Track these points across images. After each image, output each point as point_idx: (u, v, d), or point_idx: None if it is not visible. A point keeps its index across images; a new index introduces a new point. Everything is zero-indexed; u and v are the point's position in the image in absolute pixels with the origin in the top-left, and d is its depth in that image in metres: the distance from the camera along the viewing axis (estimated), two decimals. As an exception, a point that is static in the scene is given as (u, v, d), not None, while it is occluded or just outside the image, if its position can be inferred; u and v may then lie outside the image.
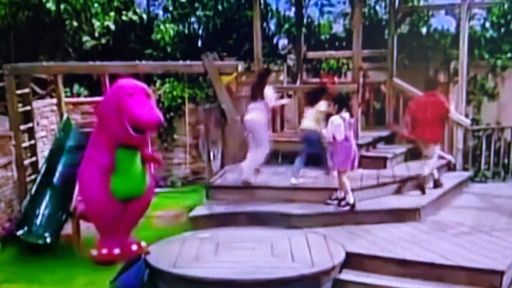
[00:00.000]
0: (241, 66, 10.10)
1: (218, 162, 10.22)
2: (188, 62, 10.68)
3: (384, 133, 11.56)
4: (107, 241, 7.56)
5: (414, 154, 10.44)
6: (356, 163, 8.56)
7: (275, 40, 16.07)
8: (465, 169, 11.10)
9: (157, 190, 12.94)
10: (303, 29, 14.10)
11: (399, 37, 12.71)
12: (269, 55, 14.63)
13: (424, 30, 15.12)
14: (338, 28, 16.47)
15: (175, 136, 14.05)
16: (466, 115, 11.92)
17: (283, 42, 16.12)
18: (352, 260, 6.89)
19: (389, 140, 11.49)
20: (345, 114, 8.46)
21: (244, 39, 13.82)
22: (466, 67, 11.04)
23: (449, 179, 10.11)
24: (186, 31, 15.73)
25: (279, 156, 11.50)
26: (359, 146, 9.99)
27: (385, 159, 10.21)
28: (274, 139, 11.06)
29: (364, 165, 9.88)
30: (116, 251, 7.57)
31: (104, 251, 7.53)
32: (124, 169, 7.37)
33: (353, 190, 8.41)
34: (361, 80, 10.48)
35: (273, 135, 11.19)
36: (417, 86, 11.29)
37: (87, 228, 8.49)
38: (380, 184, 9.06)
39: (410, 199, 8.71)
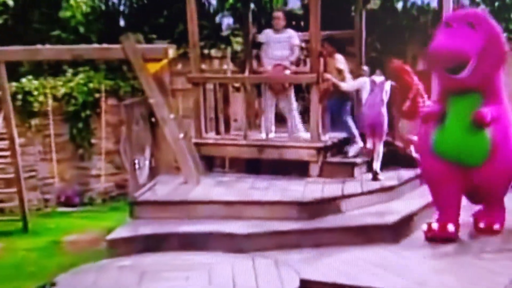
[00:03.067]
0: (172, 51, 10.13)
1: (145, 172, 10.17)
2: (104, 45, 10.65)
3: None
4: (440, 214, 8.42)
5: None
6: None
7: (217, 19, 16.11)
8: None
9: (70, 209, 13.07)
10: (251, 5, 14.14)
11: (368, 14, 12.90)
12: (209, 38, 14.67)
13: (399, 5, 15.31)
14: (294, 3, 16.56)
15: (93, 141, 13.94)
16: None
17: (227, 21, 16.19)
18: (308, 289, 7.00)
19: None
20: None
21: (178, 18, 13.83)
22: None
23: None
24: (103, 6, 15.66)
25: (225, 163, 11.58)
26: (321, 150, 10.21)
27: (353, 165, 10.41)
28: (218, 142, 11.16)
29: (327, 174, 10.12)
30: (450, 227, 8.22)
31: (435, 226, 8.28)
32: (450, 123, 8.11)
33: (311, 203, 8.64)
34: (321, 68, 10.57)
35: (216, 138, 11.28)
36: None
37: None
38: (345, 195, 9.19)
39: (381, 214, 8.85)
